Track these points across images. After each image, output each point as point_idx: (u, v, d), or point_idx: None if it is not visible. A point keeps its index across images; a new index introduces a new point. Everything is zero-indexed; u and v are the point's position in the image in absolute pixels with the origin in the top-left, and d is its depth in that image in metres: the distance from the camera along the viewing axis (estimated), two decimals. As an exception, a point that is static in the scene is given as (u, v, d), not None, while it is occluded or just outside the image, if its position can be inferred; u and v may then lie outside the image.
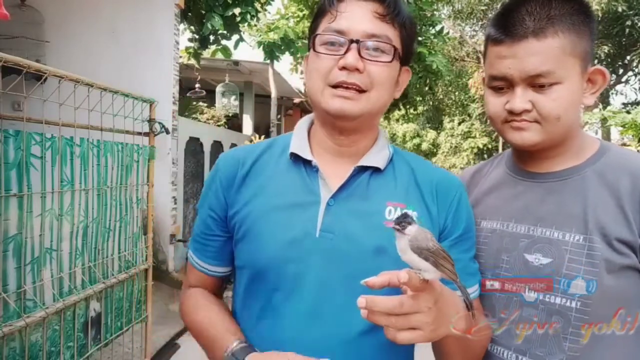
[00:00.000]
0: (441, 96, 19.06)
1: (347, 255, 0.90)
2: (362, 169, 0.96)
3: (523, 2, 0.95)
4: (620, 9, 13.47)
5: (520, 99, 0.95)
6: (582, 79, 0.97)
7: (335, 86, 0.90)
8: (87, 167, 2.31)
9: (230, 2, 6.01)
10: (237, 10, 6.04)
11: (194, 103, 9.41)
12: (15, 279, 1.88)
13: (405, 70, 1.00)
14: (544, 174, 1.03)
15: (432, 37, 8.24)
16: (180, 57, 5.42)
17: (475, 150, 19.48)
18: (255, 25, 8.58)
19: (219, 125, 9.61)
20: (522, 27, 0.93)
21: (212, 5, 5.88)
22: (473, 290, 0.98)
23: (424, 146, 22.90)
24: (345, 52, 0.89)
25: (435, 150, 22.62)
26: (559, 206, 0.98)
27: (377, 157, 0.98)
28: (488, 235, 1.06)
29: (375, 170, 0.97)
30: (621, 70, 16.43)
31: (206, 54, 7.81)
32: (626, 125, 8.37)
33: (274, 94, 10.09)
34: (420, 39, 7.96)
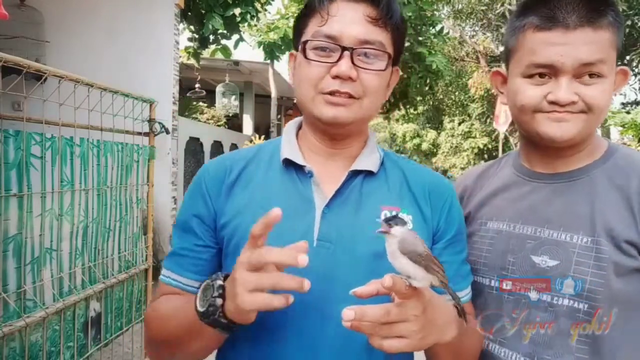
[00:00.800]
0: (441, 96, 19.02)
1: (346, 264, 0.88)
2: (355, 173, 0.94)
3: None
4: (620, 9, 13.46)
5: (567, 89, 0.92)
6: (614, 76, 0.97)
7: (327, 93, 0.88)
8: (87, 167, 2.31)
9: (230, 2, 6.01)
10: (237, 10, 6.05)
11: (194, 103, 9.42)
12: (15, 279, 1.88)
13: (395, 70, 0.98)
14: (551, 175, 1.02)
15: (432, 37, 8.25)
16: (180, 57, 5.41)
17: (476, 150, 19.44)
18: (255, 25, 8.59)
19: (219, 125, 9.63)
20: (577, 15, 0.91)
21: (212, 5, 5.88)
22: (465, 294, 0.97)
23: (424, 146, 22.87)
24: (338, 60, 0.86)
25: (435, 150, 22.58)
26: (567, 207, 0.97)
27: (369, 160, 0.96)
28: (494, 236, 1.05)
29: (368, 174, 0.95)
30: (621, 71, 16.45)
31: (206, 53, 7.81)
32: (626, 125, 8.35)
33: (274, 94, 10.11)
34: (420, 39, 7.96)
